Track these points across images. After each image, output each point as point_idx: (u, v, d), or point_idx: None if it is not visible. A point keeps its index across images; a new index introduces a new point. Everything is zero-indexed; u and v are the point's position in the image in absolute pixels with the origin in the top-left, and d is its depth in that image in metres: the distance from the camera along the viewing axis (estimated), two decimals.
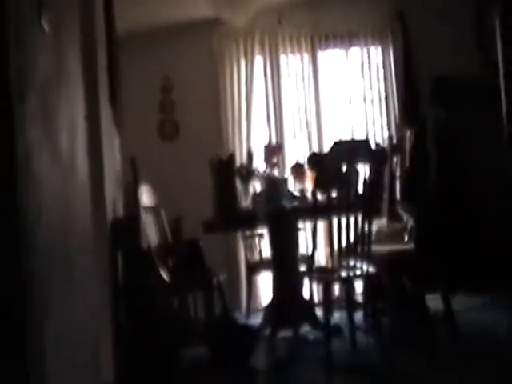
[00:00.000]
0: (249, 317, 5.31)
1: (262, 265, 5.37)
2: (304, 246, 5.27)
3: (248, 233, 5.58)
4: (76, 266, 2.01)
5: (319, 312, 4.46)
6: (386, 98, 6.11)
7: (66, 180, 1.94)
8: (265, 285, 5.89)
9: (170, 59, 6.22)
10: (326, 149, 5.01)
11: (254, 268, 5.49)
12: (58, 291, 1.66)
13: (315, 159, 3.58)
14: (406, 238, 4.42)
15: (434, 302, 4.29)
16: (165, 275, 4.04)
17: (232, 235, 5.97)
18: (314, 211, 3.60)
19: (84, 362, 2.08)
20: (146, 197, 4.41)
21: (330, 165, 3.46)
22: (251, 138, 6.15)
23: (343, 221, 3.47)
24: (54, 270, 1.63)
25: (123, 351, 3.11)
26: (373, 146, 3.77)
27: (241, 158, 5.89)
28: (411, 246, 4.22)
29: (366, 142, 3.88)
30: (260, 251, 5.51)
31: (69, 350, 1.76)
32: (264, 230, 5.39)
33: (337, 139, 4.75)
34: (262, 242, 5.54)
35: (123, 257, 3.34)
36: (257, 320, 4.77)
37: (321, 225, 4.99)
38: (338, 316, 4.65)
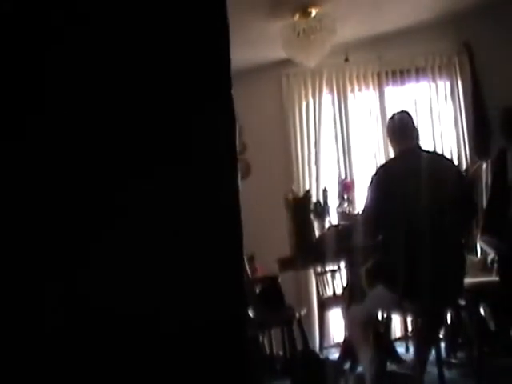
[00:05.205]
0: (322, 353, 5.29)
1: (334, 301, 5.36)
2: None
3: (320, 269, 5.59)
4: None
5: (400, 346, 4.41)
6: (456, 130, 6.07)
7: None
8: (336, 321, 5.87)
9: (238, 100, 6.33)
10: None
11: (325, 304, 5.48)
12: None
13: None
14: (486, 271, 4.36)
15: None
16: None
17: (303, 271, 5.98)
18: None
19: None
20: None
21: None
22: (321, 176, 6.21)
23: None
24: None
25: None
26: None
27: (314, 195, 5.93)
28: (492, 278, 4.16)
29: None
30: (333, 287, 5.50)
31: None
32: (336, 267, 5.40)
33: None
34: (334, 278, 5.54)
35: None
36: (331, 356, 4.74)
37: None
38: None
